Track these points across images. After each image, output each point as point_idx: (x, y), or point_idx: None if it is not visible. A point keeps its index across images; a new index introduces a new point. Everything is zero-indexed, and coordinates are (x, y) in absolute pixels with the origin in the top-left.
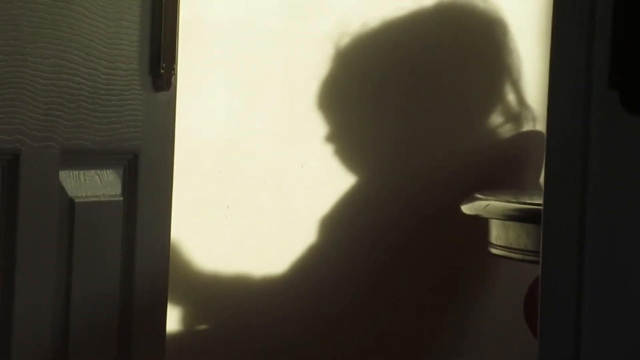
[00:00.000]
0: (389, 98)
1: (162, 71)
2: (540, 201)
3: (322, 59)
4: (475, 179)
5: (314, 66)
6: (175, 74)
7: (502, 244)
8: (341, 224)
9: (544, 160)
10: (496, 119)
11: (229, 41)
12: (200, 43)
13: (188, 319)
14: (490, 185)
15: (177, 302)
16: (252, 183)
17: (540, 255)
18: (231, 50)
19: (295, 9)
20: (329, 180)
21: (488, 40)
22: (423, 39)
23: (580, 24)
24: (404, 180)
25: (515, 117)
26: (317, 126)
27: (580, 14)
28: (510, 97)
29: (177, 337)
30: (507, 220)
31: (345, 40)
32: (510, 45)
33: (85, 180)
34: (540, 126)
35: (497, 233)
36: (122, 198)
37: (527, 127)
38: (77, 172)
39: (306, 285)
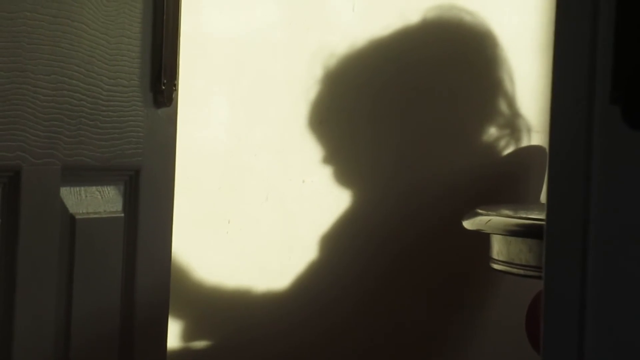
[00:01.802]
0: (384, 117)
1: (163, 87)
2: (542, 216)
3: (320, 72)
4: (476, 194)
5: (315, 79)
6: (176, 90)
7: (503, 259)
8: (342, 240)
9: (546, 175)
10: (492, 132)
11: (230, 55)
12: (201, 57)
13: (189, 334)
14: (492, 200)
15: (178, 317)
16: (253, 198)
17: (543, 270)
18: (233, 64)
19: (296, 23)
20: (330, 196)
21: (478, 53)
22: (414, 55)
23: (581, 38)
24: (404, 197)
25: (510, 129)
26: (318, 141)
27: (582, 28)
28: (505, 109)
29: (178, 352)
30: (509, 235)
31: (334, 61)
32: (502, 58)
33: (86, 196)
34: (538, 139)
35: (499, 248)
36: (123, 214)
37: (523, 138)
38: (78, 189)
39: (307, 299)
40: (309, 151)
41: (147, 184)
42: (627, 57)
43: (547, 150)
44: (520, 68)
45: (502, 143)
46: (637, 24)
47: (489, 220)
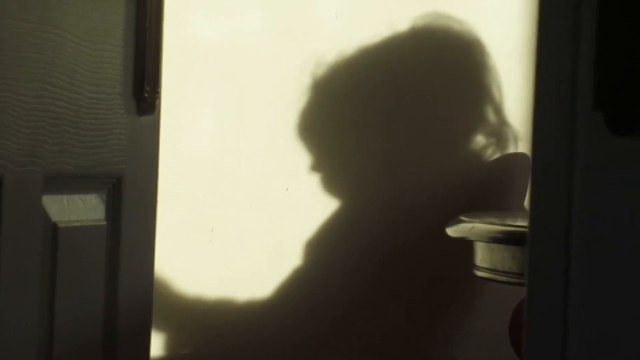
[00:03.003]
0: (371, 124)
1: (146, 95)
2: (525, 223)
3: (308, 80)
4: (461, 202)
5: (301, 88)
6: (159, 98)
7: (487, 267)
8: (326, 247)
9: (530, 182)
10: (479, 139)
11: (214, 63)
12: (186, 65)
13: (172, 343)
14: (476, 207)
15: (161, 325)
16: (237, 206)
17: (526, 278)
18: (217, 72)
19: (282, 30)
20: (315, 203)
21: (466, 61)
22: (402, 63)
23: (564, 45)
24: (389, 204)
25: (497, 137)
26: (303, 149)
27: (564, 35)
28: (492, 118)
29: None
30: (492, 242)
31: (322, 70)
32: (490, 66)
33: (68, 204)
34: (524, 147)
35: (482, 255)
36: (105, 222)
37: (510, 147)
38: (60, 197)
39: (291, 306)
40: (294, 159)
41: (129, 192)
42: (609, 64)
43: (531, 157)
44: (507, 76)
45: (489, 151)
46: (619, 30)
47: (473, 228)
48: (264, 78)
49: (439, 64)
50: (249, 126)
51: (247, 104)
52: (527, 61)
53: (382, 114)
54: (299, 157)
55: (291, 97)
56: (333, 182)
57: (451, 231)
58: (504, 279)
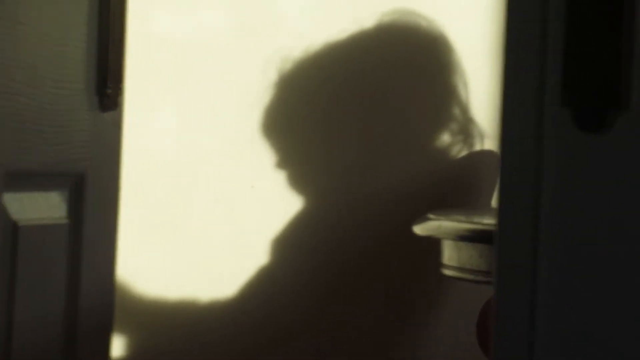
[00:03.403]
0: (337, 122)
1: (109, 91)
2: (493, 221)
3: (274, 77)
4: (428, 200)
5: (266, 85)
6: (122, 94)
7: (454, 265)
8: (292, 245)
9: (498, 180)
10: (446, 138)
11: (178, 59)
12: (149, 61)
13: (133, 344)
14: (443, 205)
15: (123, 325)
16: (201, 204)
17: (494, 276)
18: (181, 68)
19: (247, 26)
20: (280, 201)
21: (433, 59)
22: (368, 60)
23: (531, 40)
24: (355, 202)
25: (464, 135)
26: (268, 146)
27: (532, 30)
28: (459, 115)
29: None
30: (459, 240)
31: (288, 66)
32: (457, 64)
33: (29, 202)
34: (492, 145)
35: (449, 254)
36: (67, 221)
37: (476, 144)
38: (21, 195)
39: (256, 305)
40: (259, 156)
41: (92, 190)
42: (577, 59)
43: (498, 154)
44: (474, 74)
45: (455, 149)
46: (587, 25)
47: (440, 226)
48: (228, 74)
49: (406, 61)
50: (213, 123)
51: (211, 101)
52: (495, 59)
53: (349, 112)
54: (264, 154)
55: (256, 94)
56: (299, 179)
57: (418, 229)
58: (472, 277)
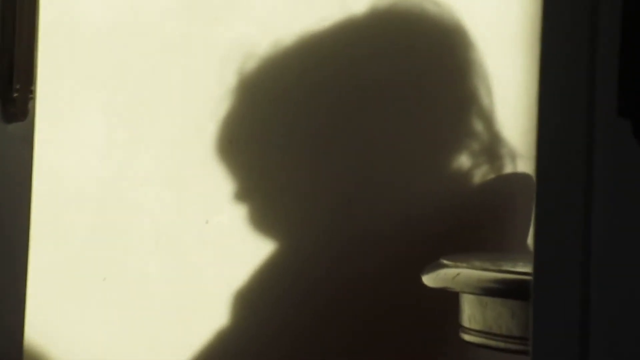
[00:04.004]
0: (317, 136)
1: (16, 95)
2: (529, 269)
3: (233, 78)
4: (441, 240)
5: (224, 88)
6: (33, 99)
7: (477, 328)
8: (260, 303)
9: (533, 214)
10: (464, 159)
11: (108, 54)
12: (69, 57)
13: None
14: (462, 247)
15: None
16: (139, 245)
17: (530, 343)
18: (111, 65)
19: (198, 11)
20: (244, 242)
21: (445, 56)
22: (357, 58)
23: (577, 34)
24: (346, 245)
25: (488, 155)
26: (227, 169)
27: (579, 25)
28: (480, 129)
29: None
30: (484, 295)
31: (252, 64)
32: (477, 62)
33: None
34: (526, 167)
35: (471, 312)
36: None
37: (505, 166)
38: None
39: None
40: (215, 182)
41: None
42: (636, 61)
43: (535, 179)
44: (500, 75)
45: (477, 173)
46: None
47: (458, 275)
48: (174, 74)
49: (409, 58)
50: (153, 138)
51: (151, 109)
52: (527, 56)
53: (333, 123)
54: (222, 180)
55: (211, 100)
56: (267, 214)
57: (429, 279)
58: (501, 344)
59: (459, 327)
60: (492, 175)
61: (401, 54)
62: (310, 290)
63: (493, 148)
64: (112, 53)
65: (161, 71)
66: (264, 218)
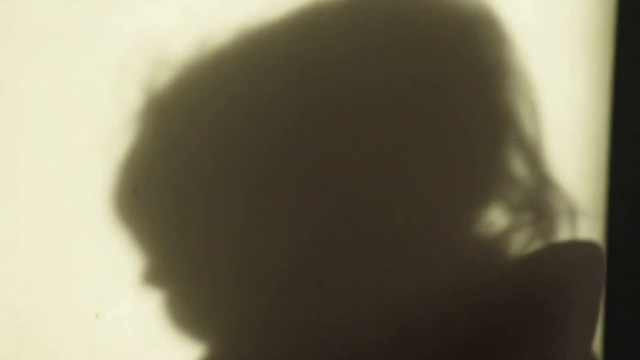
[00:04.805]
0: (269, 178)
1: None
2: None
3: (146, 90)
4: (463, 338)
5: (126, 104)
6: None
7: None
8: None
9: (600, 301)
10: (497, 215)
11: None
12: None
13: None
14: (498, 346)
15: None
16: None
17: None
18: None
19: None
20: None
21: (469, 56)
22: (341, 56)
23: None
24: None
25: (534, 211)
26: (132, 235)
27: None
28: (521, 169)
29: None
30: None
31: (171, 70)
32: (513, 66)
33: None
34: (591, 229)
35: None
36: None
37: (559, 229)
38: None
39: None
40: (114, 254)
41: None
42: None
43: (605, 249)
44: (548, 88)
45: (519, 240)
46: None
47: None
48: (57, 81)
49: (416, 60)
50: (23, 182)
51: (22, 134)
52: (587, 60)
53: (298, 158)
54: (125, 250)
55: (107, 122)
56: (194, 307)
57: None
58: None
59: None
60: (539, 243)
61: (402, 53)
62: None
63: (541, 199)
64: None
65: (38, 77)
66: (189, 311)
